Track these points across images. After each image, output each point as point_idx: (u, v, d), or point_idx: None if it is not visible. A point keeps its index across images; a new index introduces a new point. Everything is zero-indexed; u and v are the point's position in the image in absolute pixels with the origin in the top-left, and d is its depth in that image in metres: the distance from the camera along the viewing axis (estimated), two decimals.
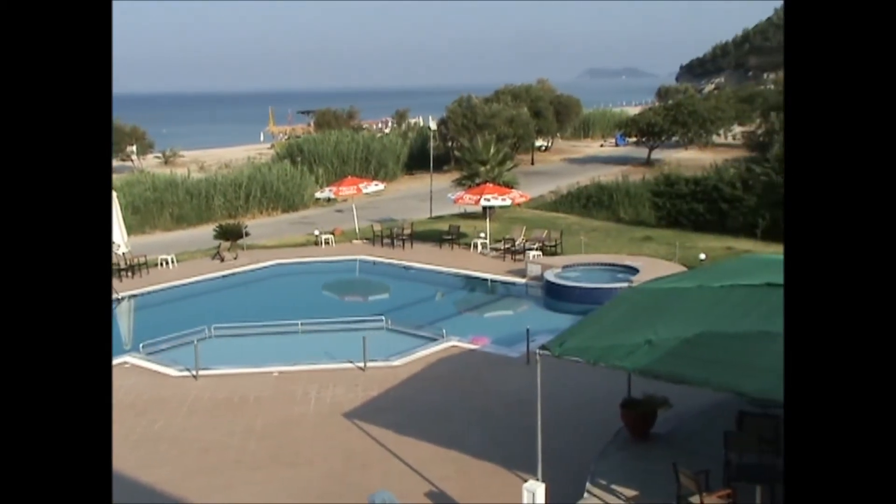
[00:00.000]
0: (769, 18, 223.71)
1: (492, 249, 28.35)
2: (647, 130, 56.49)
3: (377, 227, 31.42)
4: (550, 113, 61.65)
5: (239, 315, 21.60)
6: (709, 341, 10.19)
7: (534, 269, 24.60)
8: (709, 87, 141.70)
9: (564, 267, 24.58)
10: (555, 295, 23.05)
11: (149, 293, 24.71)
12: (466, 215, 34.66)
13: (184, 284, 25.63)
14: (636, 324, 11.02)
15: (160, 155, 66.84)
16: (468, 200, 29.44)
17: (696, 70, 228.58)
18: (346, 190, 32.85)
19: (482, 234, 29.14)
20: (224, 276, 26.67)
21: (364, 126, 72.45)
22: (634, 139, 58.96)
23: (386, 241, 30.12)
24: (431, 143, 43.93)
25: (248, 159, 56.65)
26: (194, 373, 17.02)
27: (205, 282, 26.13)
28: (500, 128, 50.64)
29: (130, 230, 29.46)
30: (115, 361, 17.48)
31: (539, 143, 63.17)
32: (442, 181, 42.53)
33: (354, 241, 31.14)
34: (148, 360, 18.14)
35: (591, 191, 39.05)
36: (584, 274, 24.33)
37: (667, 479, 10.47)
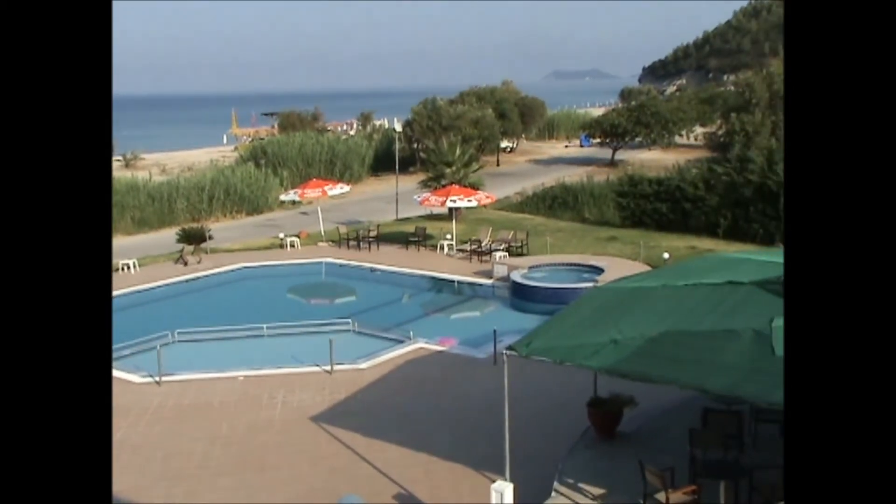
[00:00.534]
0: (728, 21, 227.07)
1: (458, 251, 28.37)
2: (611, 131, 56.94)
3: (343, 230, 31.26)
4: (515, 114, 61.86)
5: (203, 320, 21.33)
6: (673, 339, 10.29)
7: (500, 270, 24.66)
8: (671, 89, 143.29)
9: (531, 267, 24.68)
10: (521, 295, 23.13)
11: None
12: (432, 217, 34.65)
13: (146, 289, 25.25)
14: (602, 323, 11.10)
15: (121, 158, 65.78)
16: (434, 202, 29.43)
17: (658, 72, 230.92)
18: (311, 192, 32.65)
19: (448, 236, 29.15)
20: (187, 281, 26.34)
21: (329, 128, 72.04)
22: (598, 140, 59.38)
23: (352, 243, 30.00)
24: (397, 145, 43.84)
25: (211, 162, 56.00)
26: (157, 379, 16.77)
27: (167, 286, 25.78)
28: (465, 129, 50.70)
29: None
30: None
31: (504, 144, 63.31)
32: (408, 183, 42.47)
33: (320, 244, 30.95)
34: None
35: (556, 192, 39.27)
36: (550, 274, 24.46)
37: (633, 477, 10.55)
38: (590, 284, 20.93)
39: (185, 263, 27.77)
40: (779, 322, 10.15)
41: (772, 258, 13.99)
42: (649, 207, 32.22)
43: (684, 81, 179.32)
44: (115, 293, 24.60)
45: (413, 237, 30.03)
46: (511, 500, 10.67)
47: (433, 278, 26.20)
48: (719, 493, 10.03)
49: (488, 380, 15.71)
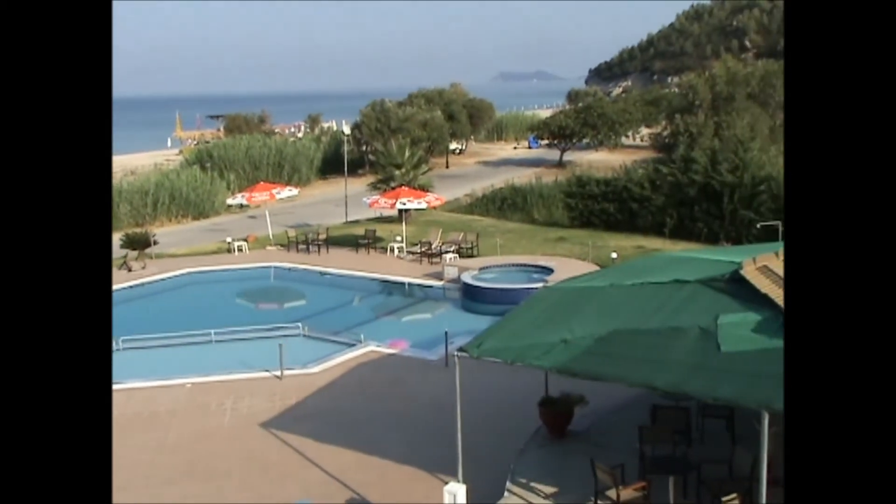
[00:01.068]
0: (671, 24, 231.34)
1: (408, 253, 28.32)
2: (559, 133, 57.48)
3: (292, 233, 30.95)
4: (464, 116, 62.04)
5: (148, 327, 20.87)
6: (622, 338, 10.42)
7: (450, 272, 24.69)
8: (616, 91, 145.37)
9: (481, 269, 24.77)
10: (472, 297, 23.19)
11: None
12: (382, 219, 34.54)
13: None
14: (552, 323, 11.19)
15: None
16: (384, 204, 29.34)
17: (604, 73, 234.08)
18: (258, 196, 32.26)
19: (398, 238, 29.09)
20: (132, 287, 25.75)
21: (276, 131, 71.32)
22: (546, 141, 59.90)
23: (301, 246, 29.71)
24: (345, 148, 43.59)
25: (154, 166, 54.93)
26: None
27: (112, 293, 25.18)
28: (414, 131, 50.67)
29: None
30: None
31: (453, 146, 63.45)
32: (357, 185, 42.26)
33: (268, 248, 30.59)
34: None
35: (505, 193, 39.49)
36: (500, 275, 24.58)
37: (585, 475, 10.65)
38: (539, 285, 21.08)
39: (130, 269, 27.16)
40: (723, 319, 10.36)
41: (716, 256, 14.27)
42: (597, 208, 32.61)
43: (629, 83, 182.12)
44: None
45: (363, 240, 29.90)
46: (464, 501, 10.68)
47: (383, 281, 26.11)
48: (668, 488, 10.18)
49: (440, 382, 15.71)
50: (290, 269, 28.03)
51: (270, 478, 12.49)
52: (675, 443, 11.45)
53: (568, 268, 23.10)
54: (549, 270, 23.78)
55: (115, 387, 16.40)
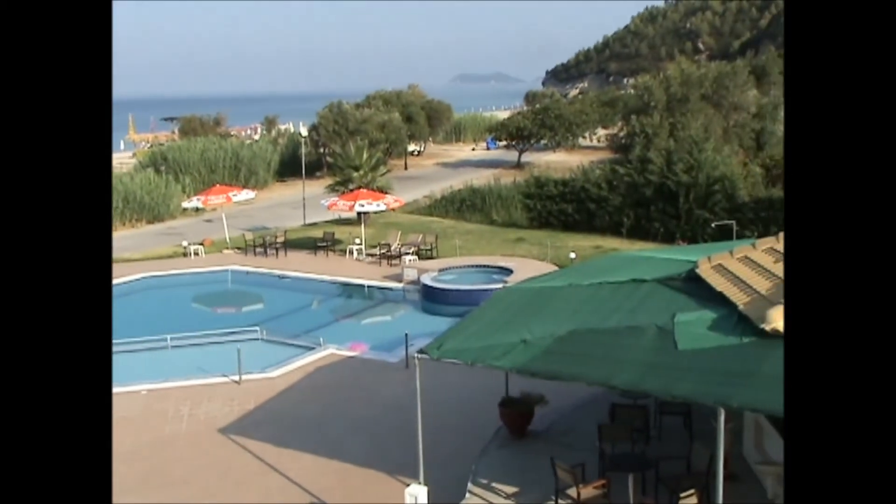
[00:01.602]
0: (627, 26, 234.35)
1: (367, 255, 28.22)
2: (517, 134, 57.81)
3: (249, 236, 30.62)
4: (422, 118, 62.03)
5: None
6: (581, 338, 10.50)
7: (410, 274, 24.66)
8: (573, 92, 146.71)
9: (440, 270, 24.78)
10: (432, 298, 23.18)
11: None
12: (341, 221, 34.36)
13: None
14: (512, 323, 11.23)
15: None
16: (342, 206, 29.19)
17: (561, 75, 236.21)
18: (214, 199, 31.84)
19: (357, 240, 28.96)
20: None
21: (232, 133, 70.46)
22: (505, 143, 60.21)
23: (259, 250, 29.41)
24: (303, 150, 43.27)
25: None
26: None
27: None
28: (372, 133, 50.50)
29: None
30: None
31: (412, 147, 63.43)
32: (315, 188, 41.97)
33: (225, 251, 30.22)
34: None
35: (464, 194, 39.57)
36: (459, 276, 24.61)
37: (546, 474, 10.72)
38: (499, 285, 21.12)
39: None
40: (680, 318, 10.50)
41: (672, 256, 14.48)
42: (555, 208, 32.84)
43: (586, 84, 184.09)
44: None
45: (321, 242, 29.71)
46: (425, 503, 10.66)
47: (343, 283, 25.97)
48: (628, 485, 10.27)
49: (401, 384, 15.68)
50: (247, 272, 27.73)
51: (229, 484, 12.33)
52: (634, 440, 11.57)
53: (527, 268, 23.23)
54: (509, 271, 23.88)
55: None
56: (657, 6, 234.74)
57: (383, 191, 33.65)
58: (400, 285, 24.70)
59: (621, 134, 51.40)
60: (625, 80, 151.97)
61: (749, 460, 11.41)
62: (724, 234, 26.33)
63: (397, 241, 28.40)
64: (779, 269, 10.87)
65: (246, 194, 33.35)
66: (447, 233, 31.36)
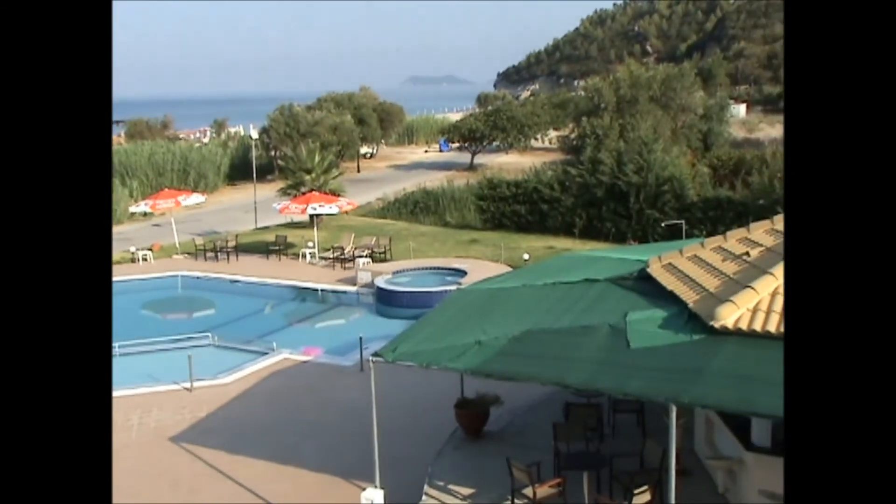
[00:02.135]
0: (576, 29, 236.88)
1: (321, 258, 28.02)
2: (469, 136, 57.98)
3: (199, 241, 30.16)
4: (374, 120, 61.85)
5: None
6: (535, 338, 10.55)
7: (364, 277, 24.54)
8: (525, 94, 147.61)
9: (394, 273, 24.71)
10: (386, 301, 23.11)
11: None
12: (293, 225, 34.06)
13: None
14: (466, 325, 11.24)
15: None
16: (294, 210, 28.94)
17: (512, 77, 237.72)
18: (163, 203, 31.29)
19: (310, 244, 28.74)
20: None
21: (181, 136, 69.41)
22: (457, 145, 60.33)
23: (209, 254, 28.99)
24: (254, 153, 42.80)
25: None
26: None
27: None
28: (324, 136, 50.17)
29: None
30: None
31: (364, 150, 63.17)
32: (266, 191, 41.54)
33: (175, 257, 29.71)
34: None
35: (417, 196, 39.57)
36: (414, 279, 24.57)
37: (501, 474, 10.74)
38: (453, 287, 21.17)
39: None
40: (632, 316, 10.62)
41: (624, 255, 14.67)
42: (508, 210, 33.02)
43: (537, 86, 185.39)
44: None
45: (274, 246, 29.41)
46: None
47: (296, 287, 25.73)
48: (583, 483, 10.36)
49: (356, 387, 15.59)
50: (198, 277, 27.29)
51: (180, 493, 12.10)
52: (589, 439, 11.67)
53: (481, 270, 23.29)
54: (463, 273, 23.93)
55: None
56: (606, 9, 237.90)
57: (336, 194, 33.45)
58: (354, 288, 24.57)
59: (572, 135, 51.97)
60: (575, 82, 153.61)
61: (700, 455, 11.60)
62: (673, 234, 26.79)
63: (351, 244, 28.25)
64: (727, 267, 11.09)
65: (196, 198, 32.85)
66: (401, 235, 31.31)
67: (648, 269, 12.34)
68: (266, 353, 18.49)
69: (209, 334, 19.88)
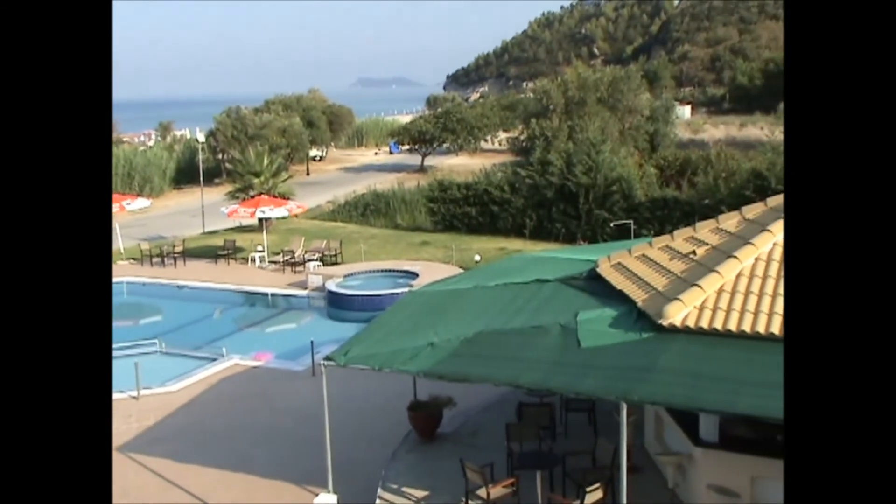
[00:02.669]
0: (524, 31, 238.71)
1: (270, 262, 27.72)
2: (419, 138, 57.99)
3: (145, 246, 29.58)
4: (323, 122, 61.45)
5: None
6: (487, 339, 10.59)
7: (315, 280, 24.35)
8: (474, 96, 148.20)
9: (345, 276, 24.57)
10: (337, 304, 22.96)
11: None
12: (242, 229, 33.63)
13: None
14: (418, 327, 11.22)
15: None
16: (243, 213, 28.58)
17: (461, 79, 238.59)
18: None
19: (260, 248, 28.41)
20: None
21: (125, 139, 68.04)
22: (407, 147, 60.29)
23: (155, 260, 28.45)
24: (200, 156, 42.16)
25: None
26: None
27: None
28: (272, 138, 49.67)
29: None
30: None
31: (313, 153, 62.71)
32: (214, 195, 40.95)
33: (120, 262, 29.07)
34: None
35: (368, 199, 39.41)
36: (365, 282, 24.45)
37: (455, 475, 10.75)
38: (405, 290, 21.13)
39: None
40: (582, 316, 10.73)
41: (574, 256, 14.81)
42: (459, 211, 33.10)
43: (486, 89, 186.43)
44: None
45: (222, 251, 29.00)
46: None
47: (245, 292, 25.40)
48: (536, 482, 10.43)
49: (308, 392, 15.44)
50: (144, 283, 26.75)
51: None
52: (541, 438, 11.75)
53: (432, 272, 23.29)
54: (414, 275, 23.90)
55: None
56: (553, 11, 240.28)
57: (285, 197, 33.12)
58: (304, 292, 24.36)
59: (522, 137, 52.28)
60: (524, 84, 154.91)
61: (650, 451, 11.77)
62: (622, 234, 27.16)
63: (301, 248, 28.00)
64: (674, 265, 11.27)
65: (141, 203, 32.24)
66: (352, 238, 31.15)
67: (598, 269, 12.48)
68: (216, 359, 18.21)
69: (156, 341, 19.50)
